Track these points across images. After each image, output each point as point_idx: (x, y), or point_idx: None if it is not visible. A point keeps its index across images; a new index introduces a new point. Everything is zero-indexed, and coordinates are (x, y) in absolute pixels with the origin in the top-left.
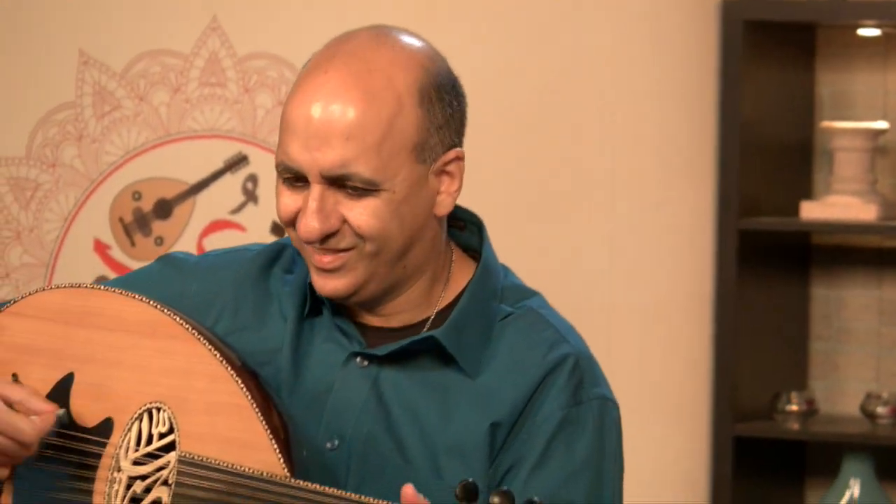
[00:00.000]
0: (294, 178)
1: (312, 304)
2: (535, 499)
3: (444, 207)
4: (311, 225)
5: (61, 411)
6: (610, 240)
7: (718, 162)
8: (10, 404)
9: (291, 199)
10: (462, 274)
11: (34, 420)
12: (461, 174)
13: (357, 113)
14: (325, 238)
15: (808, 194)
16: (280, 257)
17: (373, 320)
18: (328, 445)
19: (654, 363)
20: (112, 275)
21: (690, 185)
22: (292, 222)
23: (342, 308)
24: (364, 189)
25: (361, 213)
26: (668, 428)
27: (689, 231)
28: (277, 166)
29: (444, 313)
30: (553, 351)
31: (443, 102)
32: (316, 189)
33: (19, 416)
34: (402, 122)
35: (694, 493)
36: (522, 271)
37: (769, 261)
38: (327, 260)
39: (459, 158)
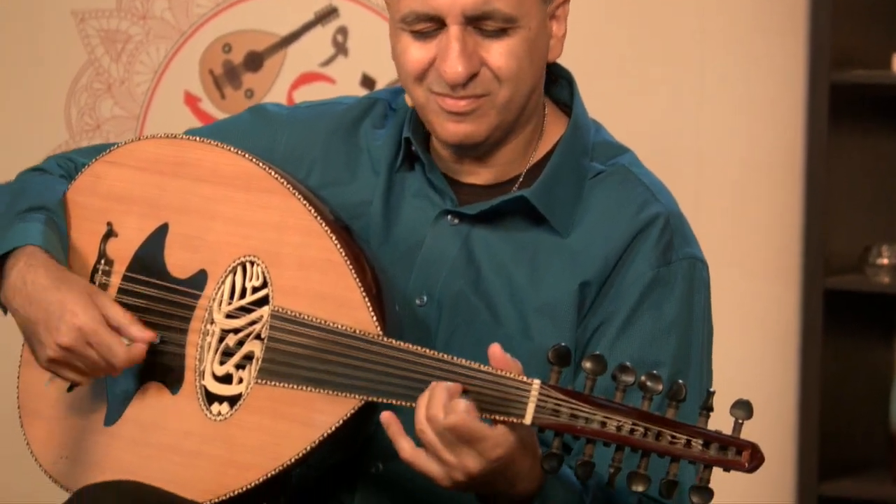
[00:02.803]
0: (424, 27)
1: (405, 159)
2: (627, 364)
3: (555, 52)
4: (456, 69)
5: (158, 339)
6: (700, 94)
7: (810, 14)
8: (109, 324)
9: (422, 51)
10: (554, 128)
11: (129, 348)
12: (566, 18)
13: None
14: (465, 82)
15: None
16: (371, 112)
17: (466, 176)
18: (417, 302)
19: (744, 217)
20: None
21: (782, 37)
22: (421, 76)
23: (434, 164)
24: (503, 27)
25: (501, 54)
26: (758, 282)
27: (780, 84)
28: (405, 17)
29: (534, 170)
30: (643, 210)
31: None
32: (456, 30)
33: (116, 337)
34: None
35: (784, 346)
36: (613, 126)
37: (861, 114)
38: (463, 104)
39: (566, 1)
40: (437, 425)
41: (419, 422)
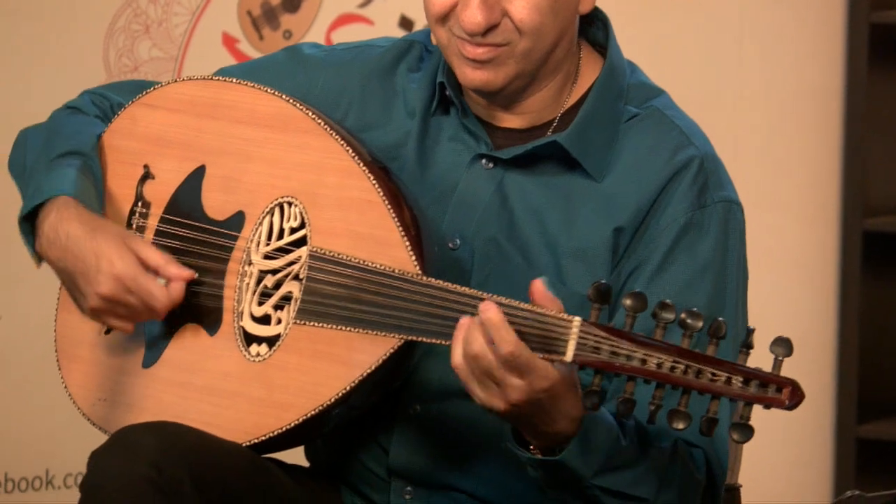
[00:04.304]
0: None
1: (440, 103)
2: (668, 301)
3: (587, 4)
4: (475, 19)
5: (196, 277)
6: (739, 33)
7: None
8: (146, 267)
9: None
10: (589, 71)
11: (168, 288)
12: None
13: None
14: (485, 31)
15: None
16: (407, 55)
17: (501, 120)
18: (450, 245)
19: (783, 159)
20: None
21: None
22: (443, 18)
23: (469, 109)
24: None
25: (524, 7)
26: (797, 224)
27: (819, 25)
28: None
29: (569, 114)
30: (678, 154)
31: None
32: None
33: (154, 281)
34: None
35: (822, 288)
36: (652, 68)
37: None
38: (481, 51)
39: None
40: (488, 359)
41: (457, 361)
